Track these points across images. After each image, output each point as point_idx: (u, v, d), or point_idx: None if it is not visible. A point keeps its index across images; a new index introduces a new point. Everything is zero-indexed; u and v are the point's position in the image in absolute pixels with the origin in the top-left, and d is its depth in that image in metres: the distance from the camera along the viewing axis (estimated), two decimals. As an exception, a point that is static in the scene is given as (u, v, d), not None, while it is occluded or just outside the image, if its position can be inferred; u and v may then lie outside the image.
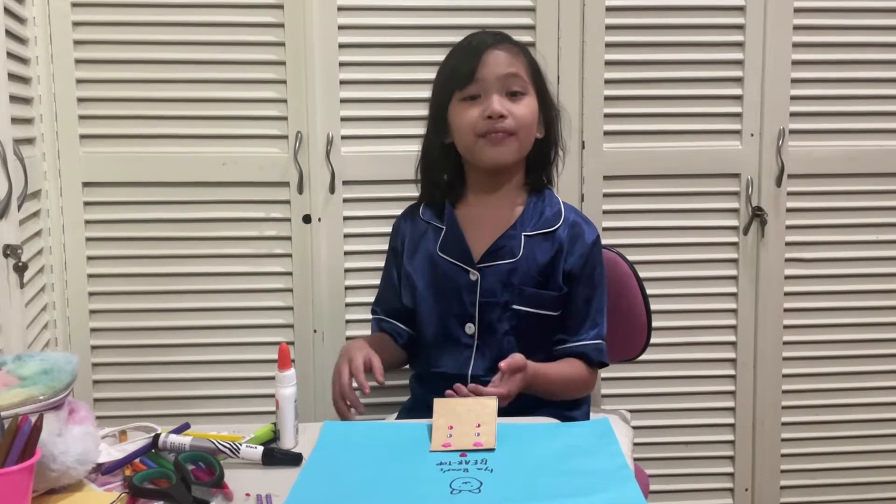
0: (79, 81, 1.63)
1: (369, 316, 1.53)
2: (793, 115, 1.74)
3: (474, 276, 1.37)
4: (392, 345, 1.47)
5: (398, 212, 1.52)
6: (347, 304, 1.73)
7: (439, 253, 1.40)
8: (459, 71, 1.35)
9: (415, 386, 1.50)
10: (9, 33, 1.41)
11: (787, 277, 1.79)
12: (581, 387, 1.41)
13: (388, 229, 1.52)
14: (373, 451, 1.05)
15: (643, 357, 1.70)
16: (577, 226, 1.40)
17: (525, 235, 1.38)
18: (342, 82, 1.67)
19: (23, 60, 1.51)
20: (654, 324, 1.75)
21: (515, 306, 1.36)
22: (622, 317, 1.55)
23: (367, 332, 1.54)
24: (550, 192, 1.46)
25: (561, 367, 1.38)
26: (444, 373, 1.37)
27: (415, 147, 1.49)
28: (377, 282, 1.53)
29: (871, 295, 1.82)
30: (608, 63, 1.71)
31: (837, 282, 1.81)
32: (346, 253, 1.72)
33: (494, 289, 1.36)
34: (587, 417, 1.45)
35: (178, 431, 1.06)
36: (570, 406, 1.41)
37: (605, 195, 1.74)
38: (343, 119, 1.68)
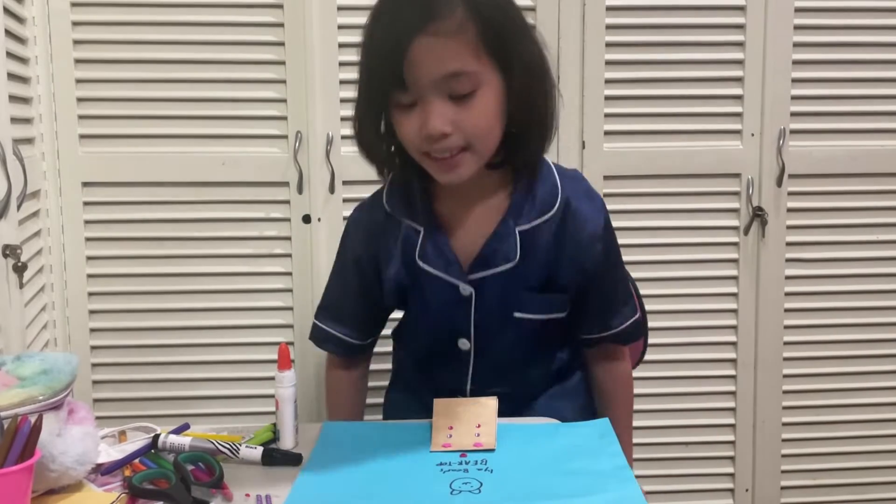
0: (78, 81, 1.63)
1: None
2: (793, 114, 1.74)
3: (466, 291, 1.13)
4: (357, 375, 1.30)
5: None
6: (347, 305, 1.73)
7: (419, 262, 1.14)
8: (383, 72, 1.00)
9: (399, 398, 1.35)
10: (8, 33, 1.41)
11: (787, 277, 1.79)
12: (631, 384, 1.31)
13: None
14: (373, 452, 1.05)
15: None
16: (579, 213, 1.14)
17: (520, 231, 1.12)
18: (342, 82, 1.67)
19: (22, 60, 1.50)
20: (655, 324, 1.75)
21: (517, 314, 1.16)
22: None
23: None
24: (542, 161, 1.15)
25: (621, 406, 1.27)
26: (440, 389, 1.17)
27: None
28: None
29: (872, 295, 1.81)
30: (608, 63, 1.71)
31: (838, 282, 1.80)
32: (346, 253, 1.71)
33: (491, 302, 1.14)
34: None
35: (177, 432, 1.06)
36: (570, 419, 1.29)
37: (605, 195, 1.73)
38: (343, 119, 1.68)
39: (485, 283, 1.14)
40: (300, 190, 1.67)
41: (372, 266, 1.20)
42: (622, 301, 1.24)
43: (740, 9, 1.71)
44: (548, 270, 1.15)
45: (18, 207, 1.40)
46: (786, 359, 1.81)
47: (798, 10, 1.71)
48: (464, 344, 1.18)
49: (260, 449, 1.02)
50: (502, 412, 1.10)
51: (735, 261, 1.78)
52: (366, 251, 1.20)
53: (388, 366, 1.44)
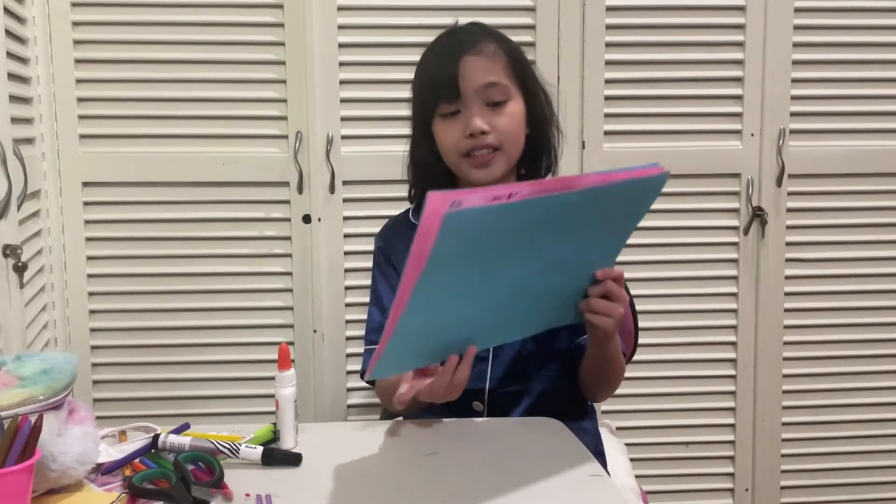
0: (79, 81, 1.63)
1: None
2: (793, 115, 1.74)
3: None
4: None
5: (398, 212, 1.51)
6: (347, 304, 1.73)
7: None
8: (439, 85, 1.26)
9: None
10: (9, 33, 1.41)
11: (787, 277, 1.79)
12: (622, 371, 1.27)
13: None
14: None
15: (643, 357, 1.69)
16: None
17: None
18: (342, 82, 1.67)
19: (23, 60, 1.50)
20: (656, 324, 1.75)
21: None
22: None
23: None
24: None
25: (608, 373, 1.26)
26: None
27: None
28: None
29: (871, 295, 1.82)
30: (608, 63, 1.71)
31: (837, 282, 1.81)
32: (346, 253, 1.72)
33: None
34: (597, 430, 1.35)
35: (177, 431, 1.06)
36: (580, 415, 1.32)
37: (605, 195, 1.74)
38: (343, 119, 1.68)
39: None
40: (300, 190, 1.67)
41: (393, 264, 1.34)
42: None
43: (740, 9, 1.71)
44: None
45: (18, 207, 1.40)
46: (785, 359, 1.81)
47: (798, 10, 1.71)
48: None
49: (260, 449, 1.02)
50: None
51: (735, 261, 1.78)
52: (393, 250, 1.34)
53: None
